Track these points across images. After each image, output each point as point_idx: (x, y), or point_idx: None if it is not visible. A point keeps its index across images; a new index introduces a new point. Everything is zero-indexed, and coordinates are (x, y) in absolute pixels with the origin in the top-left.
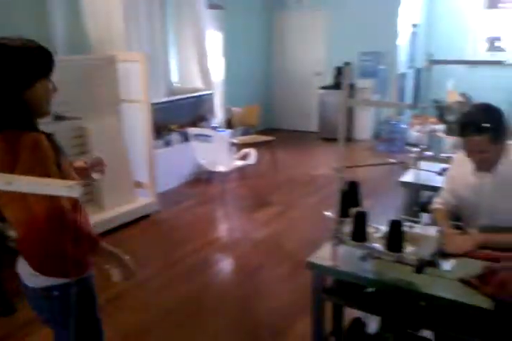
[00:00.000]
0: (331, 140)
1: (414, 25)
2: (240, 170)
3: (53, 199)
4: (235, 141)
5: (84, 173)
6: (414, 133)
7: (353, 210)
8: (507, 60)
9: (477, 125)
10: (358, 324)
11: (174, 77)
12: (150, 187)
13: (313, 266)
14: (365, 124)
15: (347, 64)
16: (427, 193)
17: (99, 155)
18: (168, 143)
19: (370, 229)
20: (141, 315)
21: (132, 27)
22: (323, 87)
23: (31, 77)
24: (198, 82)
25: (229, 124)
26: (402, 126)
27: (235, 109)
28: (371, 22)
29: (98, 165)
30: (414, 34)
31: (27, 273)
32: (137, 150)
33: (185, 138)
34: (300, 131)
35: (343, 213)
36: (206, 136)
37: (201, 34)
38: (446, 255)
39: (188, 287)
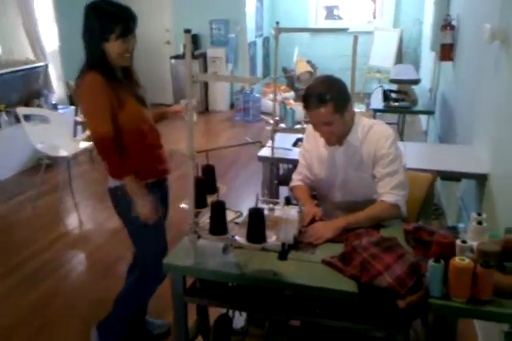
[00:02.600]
0: None
1: None
2: (89, 152)
3: (98, 127)
4: (79, 119)
5: (179, 115)
6: (267, 102)
7: (210, 200)
8: (348, 27)
9: (318, 97)
10: (225, 320)
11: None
12: None
13: (170, 268)
14: (221, 95)
15: (187, 31)
16: (286, 166)
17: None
18: None
19: (230, 215)
20: None
21: None
22: (175, 57)
23: (109, 34)
24: (28, 53)
25: (72, 101)
26: (256, 95)
27: None
28: None
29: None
30: (259, 1)
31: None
32: None
33: (18, 119)
34: (155, 103)
35: (200, 203)
36: (40, 116)
37: None
38: (306, 244)
39: (32, 296)
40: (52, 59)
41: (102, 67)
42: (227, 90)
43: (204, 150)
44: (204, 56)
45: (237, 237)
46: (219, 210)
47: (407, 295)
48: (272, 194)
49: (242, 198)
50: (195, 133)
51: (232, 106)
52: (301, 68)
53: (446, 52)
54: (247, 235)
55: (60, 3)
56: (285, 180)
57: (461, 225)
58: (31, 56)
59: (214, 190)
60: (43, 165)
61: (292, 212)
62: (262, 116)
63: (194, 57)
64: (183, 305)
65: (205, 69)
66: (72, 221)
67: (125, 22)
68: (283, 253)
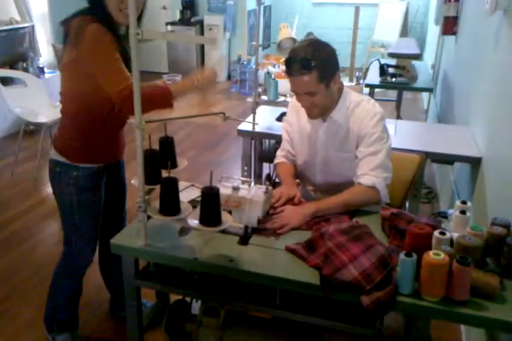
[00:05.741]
0: None
1: None
2: None
3: (123, 82)
4: None
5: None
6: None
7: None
8: None
9: (302, 62)
10: (181, 306)
11: None
12: None
13: (119, 249)
14: (217, 65)
15: None
16: (268, 141)
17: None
18: None
19: (194, 192)
20: None
21: None
22: (171, 23)
23: None
24: (13, 13)
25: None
26: (254, 66)
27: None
28: None
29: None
30: None
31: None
32: None
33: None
34: (149, 71)
35: (153, 179)
36: (18, 79)
37: None
38: (271, 232)
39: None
40: (42, 22)
41: (105, 20)
42: (224, 60)
43: (159, 119)
44: (201, 23)
45: (189, 219)
46: (170, 188)
47: (373, 291)
48: (254, 171)
49: (227, 173)
50: (186, 103)
51: (229, 77)
52: (283, 35)
53: (449, 25)
54: (200, 217)
55: None
56: (269, 156)
57: (451, 211)
58: (17, 17)
59: (174, 164)
60: (21, 131)
61: (258, 192)
62: (260, 88)
63: (190, 24)
64: (136, 289)
65: None
66: (48, 189)
67: None
68: (244, 237)
